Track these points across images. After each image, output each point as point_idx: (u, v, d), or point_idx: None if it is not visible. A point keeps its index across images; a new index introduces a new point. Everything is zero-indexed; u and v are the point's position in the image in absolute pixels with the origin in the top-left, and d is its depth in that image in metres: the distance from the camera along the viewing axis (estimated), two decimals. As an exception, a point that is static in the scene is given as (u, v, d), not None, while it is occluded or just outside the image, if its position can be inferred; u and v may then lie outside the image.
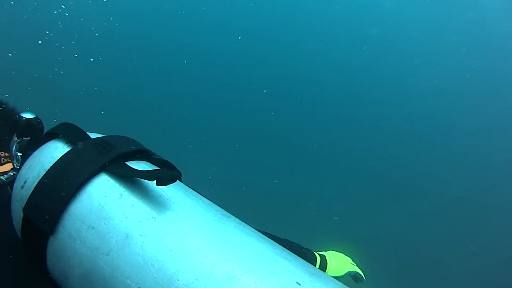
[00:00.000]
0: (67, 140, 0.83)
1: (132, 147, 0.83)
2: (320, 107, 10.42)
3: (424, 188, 8.95)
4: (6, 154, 1.02)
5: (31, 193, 0.75)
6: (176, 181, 0.73)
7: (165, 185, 0.71)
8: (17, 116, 0.95)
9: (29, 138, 0.95)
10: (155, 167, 0.85)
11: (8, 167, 1.05)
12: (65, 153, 0.78)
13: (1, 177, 0.94)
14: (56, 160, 0.77)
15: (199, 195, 0.83)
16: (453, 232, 7.95)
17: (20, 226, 0.78)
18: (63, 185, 0.73)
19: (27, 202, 0.75)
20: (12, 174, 0.95)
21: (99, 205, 0.72)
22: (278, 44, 10.77)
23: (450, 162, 9.66)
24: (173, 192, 0.76)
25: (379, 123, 10.26)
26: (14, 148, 0.95)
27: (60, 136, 0.84)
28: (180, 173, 0.91)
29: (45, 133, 0.90)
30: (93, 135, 0.88)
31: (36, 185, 0.75)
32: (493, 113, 10.24)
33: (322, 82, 10.62)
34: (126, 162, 0.79)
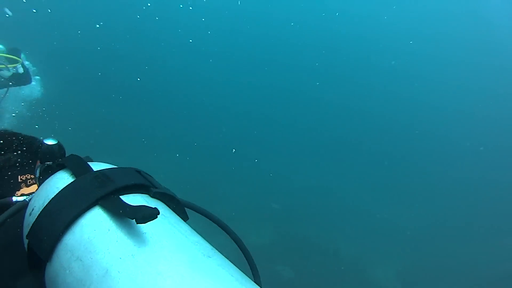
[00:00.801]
0: (72, 172, 0.89)
1: (131, 181, 0.87)
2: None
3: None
4: (32, 176, 1.12)
5: (34, 222, 0.83)
6: (155, 218, 0.75)
7: (144, 223, 0.74)
8: (40, 143, 1.04)
9: (51, 163, 1.04)
10: (153, 200, 0.88)
11: (34, 188, 1.16)
12: (67, 185, 0.85)
13: (26, 197, 1.04)
14: (59, 191, 0.84)
15: (189, 230, 0.84)
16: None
17: (26, 250, 0.86)
18: (60, 216, 0.80)
19: (29, 229, 0.83)
20: None
21: (88, 238, 0.76)
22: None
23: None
24: (160, 228, 0.79)
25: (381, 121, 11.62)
26: (37, 172, 1.04)
27: (67, 167, 0.91)
28: (178, 202, 0.93)
29: (56, 164, 0.97)
30: (99, 166, 0.94)
31: (39, 214, 0.82)
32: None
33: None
34: (122, 196, 0.84)
